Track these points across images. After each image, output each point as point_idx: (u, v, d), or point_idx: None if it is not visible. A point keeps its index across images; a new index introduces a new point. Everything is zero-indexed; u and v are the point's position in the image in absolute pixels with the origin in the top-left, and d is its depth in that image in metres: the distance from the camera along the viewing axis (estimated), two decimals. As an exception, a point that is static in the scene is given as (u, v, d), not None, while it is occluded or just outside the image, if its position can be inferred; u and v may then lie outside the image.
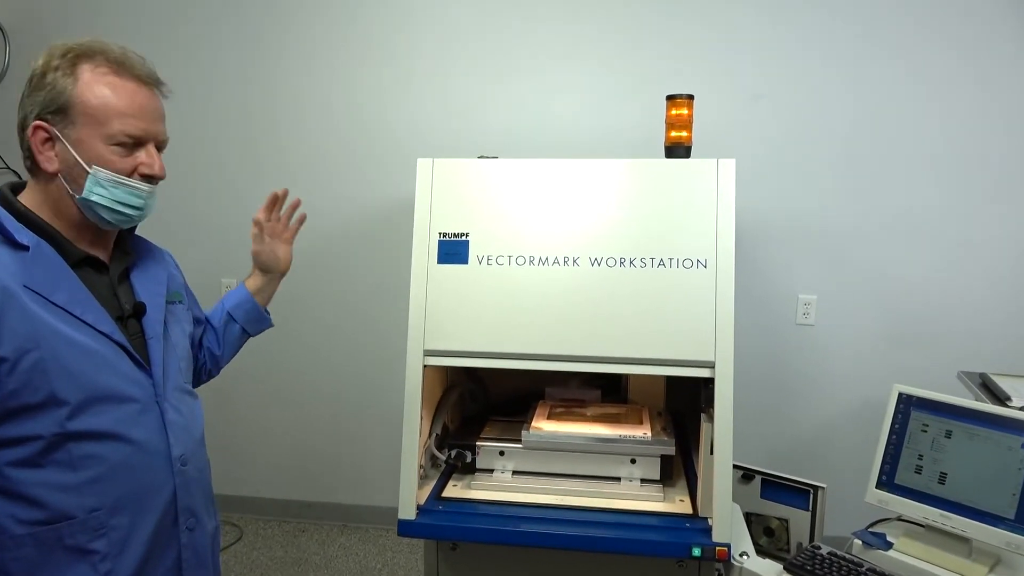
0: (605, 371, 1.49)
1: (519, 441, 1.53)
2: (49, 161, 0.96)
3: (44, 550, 0.93)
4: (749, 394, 2.24)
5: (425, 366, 1.46)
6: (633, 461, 1.51)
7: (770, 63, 2.34)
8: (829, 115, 2.33)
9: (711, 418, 1.39)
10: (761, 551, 1.59)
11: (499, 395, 1.88)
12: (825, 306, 2.40)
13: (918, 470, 1.41)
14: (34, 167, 0.98)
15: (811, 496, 1.64)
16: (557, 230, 1.46)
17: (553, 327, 1.43)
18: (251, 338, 1.38)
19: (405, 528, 1.41)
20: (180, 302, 1.18)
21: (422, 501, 1.46)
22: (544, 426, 1.58)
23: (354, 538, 2.69)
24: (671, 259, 1.42)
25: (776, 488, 1.70)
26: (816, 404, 2.46)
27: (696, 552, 1.32)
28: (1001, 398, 1.72)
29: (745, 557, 1.38)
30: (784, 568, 1.36)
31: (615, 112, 2.41)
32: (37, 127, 0.95)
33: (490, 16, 2.45)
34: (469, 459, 1.55)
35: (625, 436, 1.52)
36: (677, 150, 1.58)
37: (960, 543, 1.36)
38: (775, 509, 1.70)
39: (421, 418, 1.46)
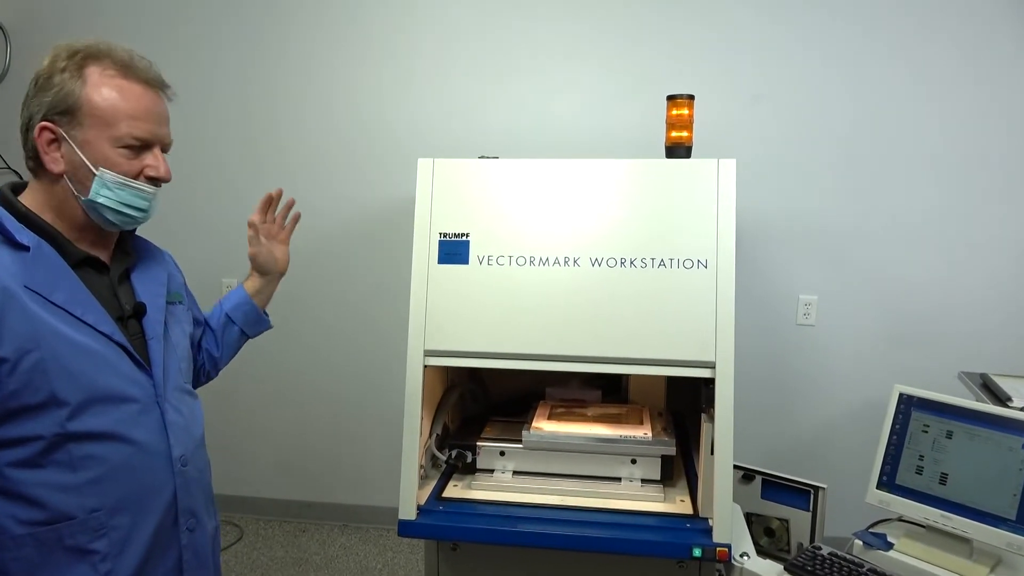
0: (606, 371, 1.49)
1: (520, 441, 1.53)
2: (55, 162, 0.96)
3: (44, 550, 0.93)
4: (750, 394, 2.24)
5: (426, 366, 1.46)
6: (634, 461, 1.51)
7: (770, 63, 2.34)
8: (829, 115, 2.33)
9: (712, 418, 1.39)
10: (762, 551, 1.59)
11: (499, 395, 1.88)
12: (826, 306, 2.40)
13: (919, 471, 1.41)
14: (38, 168, 0.98)
15: (812, 496, 1.64)
16: (558, 230, 1.46)
17: (554, 327, 1.43)
18: (250, 340, 1.38)
19: (405, 528, 1.41)
20: (180, 302, 1.18)
21: (422, 501, 1.46)
22: (545, 426, 1.58)
23: (355, 538, 2.69)
24: (672, 259, 1.42)
25: (777, 488, 1.70)
26: (817, 404, 2.45)
27: (697, 552, 1.32)
28: (1002, 399, 1.72)
29: (746, 558, 1.38)
30: (785, 568, 1.36)
31: (615, 112, 2.41)
32: (43, 128, 0.95)
33: (490, 16, 2.44)
34: (469, 459, 1.55)
35: (626, 436, 1.52)
36: (678, 150, 1.58)
37: (961, 544, 1.36)
38: (776, 509, 1.70)
39: (422, 418, 1.46)
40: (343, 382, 2.69)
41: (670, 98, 1.59)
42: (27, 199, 1.00)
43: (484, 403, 1.86)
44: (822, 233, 2.37)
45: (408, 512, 1.42)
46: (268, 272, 1.37)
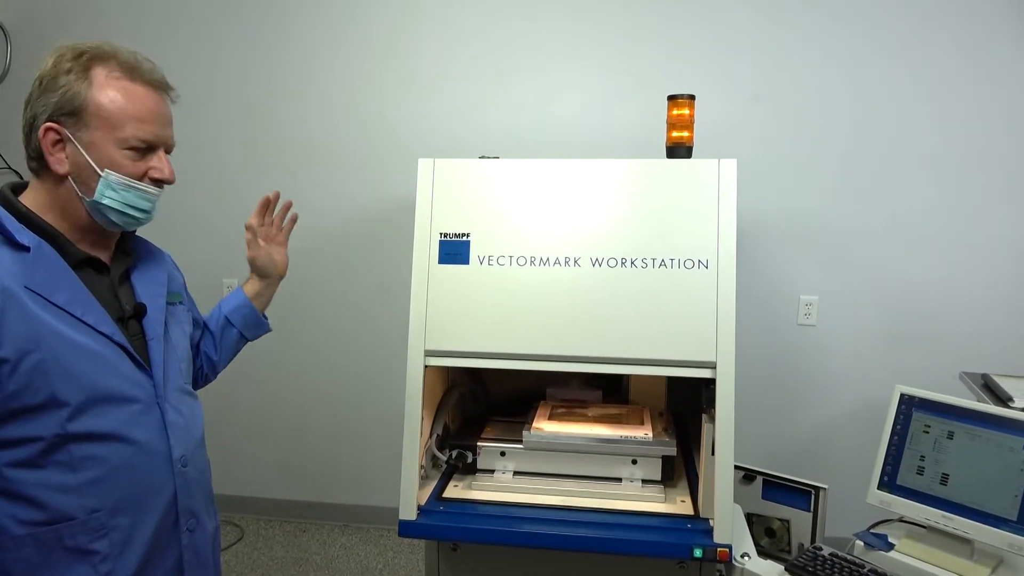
0: (606, 371, 1.49)
1: (520, 442, 1.53)
2: (60, 163, 0.96)
3: (44, 551, 0.93)
4: (750, 395, 2.24)
5: (426, 366, 1.46)
6: (634, 462, 1.51)
7: (770, 63, 2.33)
8: (829, 115, 2.33)
9: (712, 419, 1.38)
10: (762, 552, 1.59)
11: (500, 395, 1.87)
12: (826, 306, 2.40)
13: (920, 471, 1.41)
14: (41, 168, 0.98)
15: (812, 497, 1.64)
16: (558, 230, 1.46)
17: (554, 327, 1.43)
18: (249, 343, 1.38)
19: (406, 529, 1.41)
20: (180, 303, 1.18)
21: (423, 501, 1.46)
22: (545, 427, 1.58)
23: (355, 538, 2.69)
24: (672, 259, 1.42)
25: (777, 489, 1.69)
26: (818, 405, 2.45)
27: (697, 553, 1.32)
28: (1003, 399, 1.72)
29: (746, 558, 1.37)
30: (785, 569, 1.36)
31: (615, 112, 2.41)
32: (48, 129, 0.95)
33: (490, 16, 2.44)
34: (470, 459, 1.55)
35: (626, 437, 1.52)
36: (678, 150, 1.58)
37: (962, 544, 1.36)
38: (776, 510, 1.70)
39: (422, 418, 1.46)
40: (343, 382, 2.69)
41: (671, 98, 1.59)
42: (28, 199, 1.00)
43: (484, 403, 1.86)
44: (823, 233, 2.37)
45: (408, 512, 1.41)
46: (267, 275, 1.36)
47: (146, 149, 1.00)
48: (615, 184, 1.47)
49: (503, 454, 1.55)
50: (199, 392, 1.18)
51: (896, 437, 1.45)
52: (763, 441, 2.39)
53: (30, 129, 0.97)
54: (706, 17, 2.34)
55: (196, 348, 1.28)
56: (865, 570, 1.32)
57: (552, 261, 1.45)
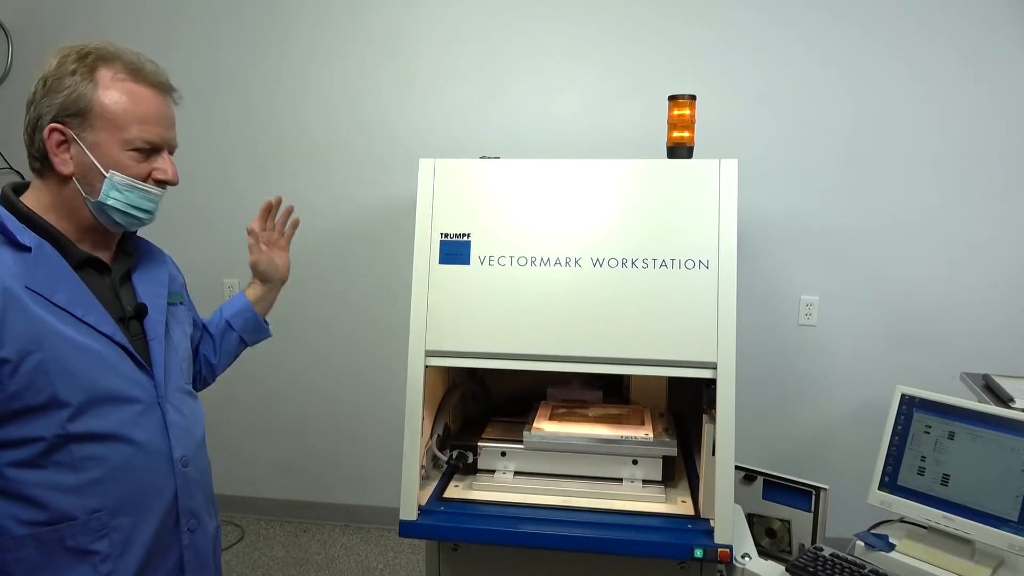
0: (607, 372, 1.49)
1: (521, 442, 1.53)
2: (64, 164, 0.97)
3: (45, 551, 0.93)
4: (751, 395, 2.24)
5: (427, 366, 1.46)
6: (635, 462, 1.51)
7: (770, 63, 2.33)
8: (829, 115, 2.33)
9: (713, 419, 1.38)
10: (763, 552, 1.59)
11: (501, 396, 1.87)
12: (827, 307, 2.40)
13: (921, 472, 1.40)
14: (44, 169, 0.98)
15: (813, 497, 1.64)
16: (559, 231, 1.46)
17: (555, 328, 1.43)
18: (248, 347, 1.37)
19: (407, 529, 1.41)
20: (181, 303, 1.18)
21: (424, 502, 1.46)
22: (546, 427, 1.58)
23: (356, 538, 2.69)
24: (673, 260, 1.42)
25: (778, 489, 1.69)
26: (818, 405, 2.45)
27: (698, 553, 1.32)
28: (1004, 399, 1.72)
29: (747, 558, 1.37)
30: (786, 569, 1.36)
31: (615, 112, 2.41)
32: (53, 129, 0.95)
33: (490, 16, 2.44)
34: (471, 460, 1.55)
35: (627, 437, 1.52)
36: (679, 150, 1.58)
37: (963, 545, 1.36)
38: (777, 510, 1.70)
39: (423, 419, 1.46)
40: (344, 382, 2.69)
41: (672, 98, 1.59)
42: (29, 200, 1.00)
43: (485, 403, 1.86)
44: (823, 233, 2.37)
45: (409, 512, 1.41)
46: (269, 279, 1.37)
47: (150, 150, 1.00)
48: (616, 184, 1.47)
49: (504, 454, 1.55)
50: (199, 392, 1.18)
51: (897, 438, 1.45)
52: (764, 441, 2.38)
53: (33, 129, 0.97)
54: (706, 17, 2.34)
55: (195, 351, 1.28)
56: (866, 571, 1.32)
57: (553, 261, 1.45)
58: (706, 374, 1.39)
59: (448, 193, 1.49)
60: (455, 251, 1.47)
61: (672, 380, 1.76)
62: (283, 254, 1.38)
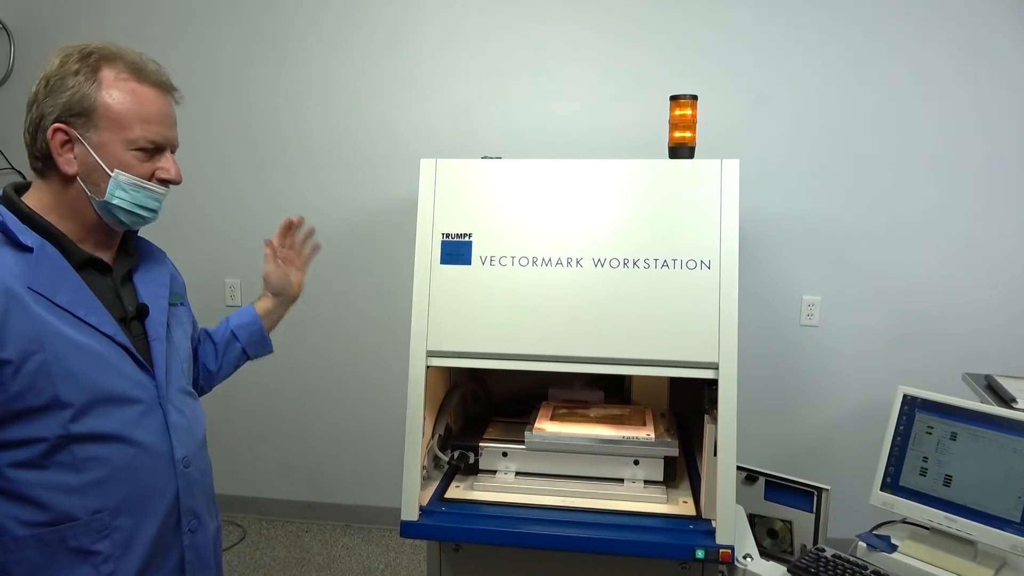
0: (608, 372, 1.49)
1: (522, 442, 1.53)
2: (68, 164, 0.97)
3: (47, 552, 0.93)
4: (753, 395, 2.23)
5: (428, 367, 1.46)
6: (636, 462, 1.51)
7: (770, 63, 2.33)
8: (829, 115, 2.33)
9: (714, 419, 1.38)
10: (765, 553, 1.58)
11: (502, 396, 1.87)
12: (829, 307, 2.39)
13: (923, 472, 1.40)
14: (47, 169, 0.98)
15: (815, 498, 1.64)
16: (560, 231, 1.46)
17: (556, 328, 1.43)
18: (249, 360, 1.37)
19: (408, 529, 1.41)
20: (181, 304, 1.18)
21: (425, 502, 1.46)
22: (547, 427, 1.57)
23: (357, 539, 2.68)
24: (675, 260, 1.42)
25: (780, 490, 1.69)
26: (820, 405, 2.45)
27: (699, 554, 1.32)
28: (1007, 400, 1.71)
29: (749, 559, 1.37)
30: (788, 570, 1.36)
31: (616, 112, 2.40)
32: (57, 129, 0.95)
33: (490, 16, 2.44)
34: (472, 460, 1.55)
35: (628, 437, 1.52)
36: (681, 151, 1.57)
37: (965, 546, 1.35)
38: (779, 511, 1.69)
39: (424, 419, 1.46)
40: (345, 382, 2.69)
41: (673, 98, 1.59)
42: (31, 200, 1.00)
43: (486, 404, 1.85)
44: (825, 233, 2.37)
45: (410, 513, 1.41)
46: (281, 294, 1.37)
47: (154, 150, 1.01)
48: (617, 184, 1.46)
49: (505, 455, 1.55)
50: (199, 394, 1.19)
51: (899, 438, 1.45)
52: (765, 442, 2.38)
53: (36, 129, 0.96)
54: (706, 17, 2.34)
55: (194, 355, 1.27)
56: (868, 571, 1.32)
57: (554, 261, 1.45)
58: (708, 374, 1.39)
59: (449, 193, 1.49)
60: (456, 251, 1.47)
61: (674, 380, 1.76)
62: (298, 272, 1.39)
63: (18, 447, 0.91)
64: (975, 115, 2.26)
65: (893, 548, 1.41)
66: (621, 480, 1.51)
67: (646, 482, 1.50)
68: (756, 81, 2.34)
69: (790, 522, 1.68)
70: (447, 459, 1.56)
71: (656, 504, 1.46)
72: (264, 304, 1.36)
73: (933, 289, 2.33)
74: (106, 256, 1.04)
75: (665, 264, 1.42)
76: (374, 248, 2.58)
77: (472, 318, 1.45)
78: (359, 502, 2.75)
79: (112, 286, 1.04)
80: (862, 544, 1.44)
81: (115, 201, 0.98)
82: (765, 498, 1.71)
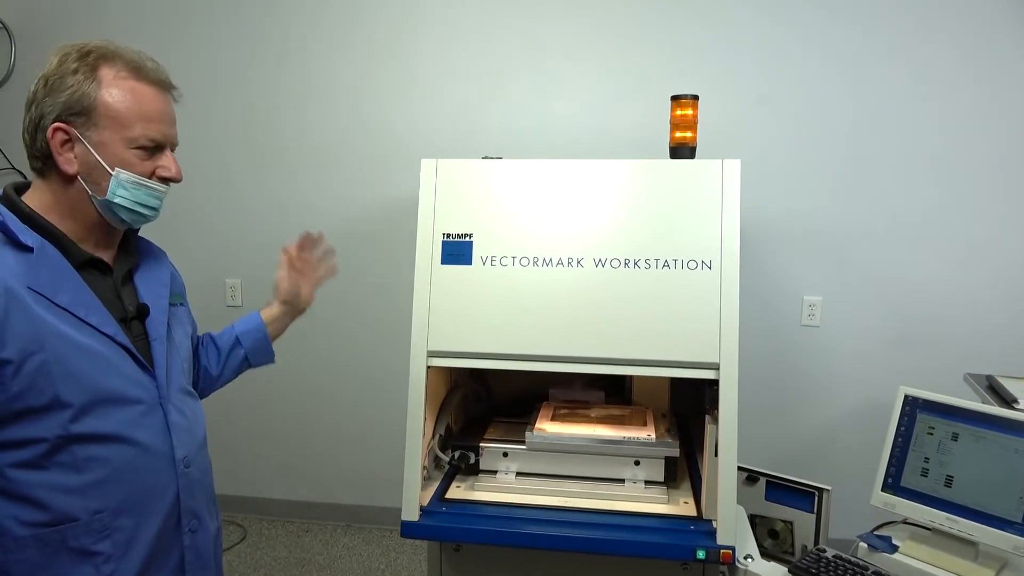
0: (609, 372, 1.49)
1: (523, 442, 1.52)
2: (69, 163, 0.96)
3: (47, 552, 0.93)
4: (754, 396, 2.23)
5: (429, 367, 1.46)
6: (637, 463, 1.51)
7: (770, 63, 2.33)
8: (829, 115, 2.33)
9: (715, 420, 1.38)
10: (766, 553, 1.58)
11: (503, 396, 1.87)
12: (830, 307, 2.39)
13: (924, 473, 1.40)
14: (47, 168, 0.98)
15: (816, 498, 1.64)
16: (561, 231, 1.45)
17: (557, 328, 1.43)
18: (251, 369, 1.37)
19: (409, 529, 1.41)
20: (182, 304, 1.18)
21: (426, 502, 1.45)
22: (548, 427, 1.57)
23: (358, 539, 2.68)
24: (676, 260, 1.41)
25: (781, 490, 1.69)
26: (821, 406, 2.45)
27: (700, 554, 1.31)
28: (1008, 400, 1.71)
29: (749, 560, 1.37)
30: (789, 571, 1.36)
31: (616, 112, 2.41)
32: (57, 129, 0.95)
33: (490, 16, 2.44)
34: (473, 460, 1.55)
35: (629, 438, 1.51)
36: (682, 151, 1.57)
37: (966, 547, 1.35)
38: (780, 511, 1.69)
39: (424, 419, 1.46)
40: (346, 383, 2.69)
41: (674, 98, 1.59)
42: (31, 200, 0.99)
43: (487, 404, 1.85)
44: (825, 234, 2.37)
45: (411, 513, 1.41)
46: (290, 301, 1.37)
47: (154, 148, 1.01)
48: (618, 184, 1.46)
49: (506, 455, 1.54)
50: (197, 395, 1.18)
51: (900, 439, 1.45)
52: (766, 442, 2.38)
53: (35, 129, 0.96)
54: (706, 17, 2.34)
55: (194, 356, 1.27)
56: (869, 572, 1.32)
57: (555, 262, 1.45)
58: (709, 375, 1.39)
59: (450, 193, 1.49)
60: (457, 251, 1.47)
61: (674, 381, 1.76)
62: (309, 287, 1.39)
63: (19, 447, 0.91)
64: (975, 115, 2.26)
65: (894, 549, 1.41)
66: (622, 480, 1.51)
67: (647, 482, 1.50)
68: (756, 81, 2.34)
69: (791, 523, 1.68)
70: (448, 459, 1.56)
71: (657, 504, 1.46)
72: (271, 311, 1.37)
73: (933, 289, 2.33)
74: (106, 256, 1.04)
75: (666, 264, 1.42)
76: (374, 248, 2.58)
77: (473, 318, 1.45)
78: (360, 502, 2.75)
79: (112, 286, 1.04)
80: (863, 545, 1.43)
81: (116, 200, 0.98)
82: (766, 498, 1.71)
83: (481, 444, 1.56)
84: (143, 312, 1.05)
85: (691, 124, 1.57)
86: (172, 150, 1.05)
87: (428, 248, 1.48)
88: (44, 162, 0.98)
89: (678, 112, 1.57)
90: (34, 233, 0.96)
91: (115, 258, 1.06)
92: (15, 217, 0.96)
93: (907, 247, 2.34)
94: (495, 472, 1.55)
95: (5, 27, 2.68)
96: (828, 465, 2.36)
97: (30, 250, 0.94)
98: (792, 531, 1.68)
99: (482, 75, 2.46)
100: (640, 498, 1.48)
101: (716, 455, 1.37)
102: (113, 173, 0.97)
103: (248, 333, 1.33)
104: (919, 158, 2.31)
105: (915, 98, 2.28)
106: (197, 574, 1.07)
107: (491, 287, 1.45)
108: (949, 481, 1.37)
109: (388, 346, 2.55)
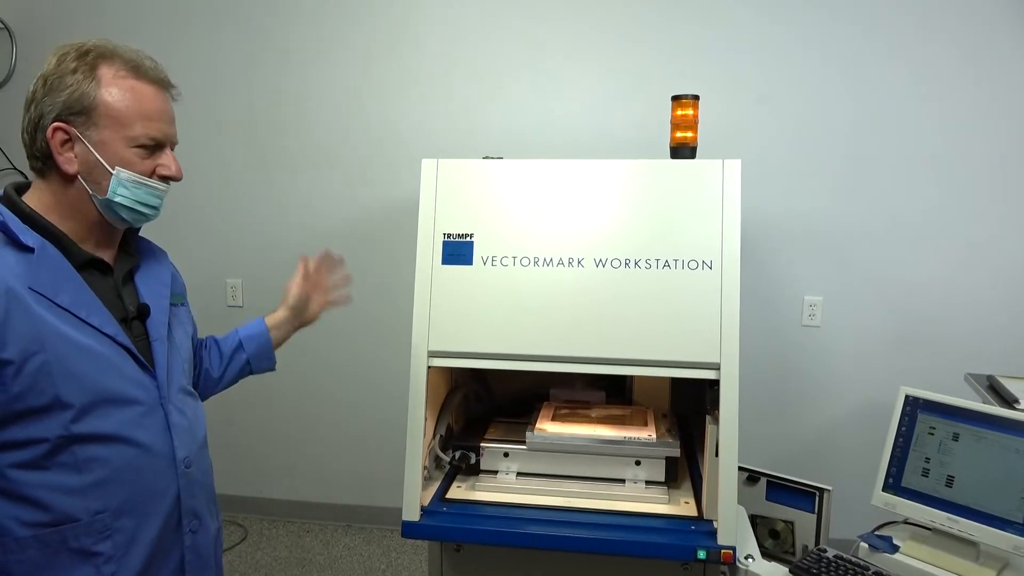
0: (610, 372, 1.49)
1: (523, 442, 1.52)
2: (69, 162, 0.96)
3: (48, 552, 0.93)
4: (754, 396, 2.24)
5: (429, 367, 1.46)
6: (638, 463, 1.51)
7: (770, 63, 2.33)
8: (830, 115, 2.33)
9: (716, 420, 1.38)
10: (766, 553, 1.58)
11: (503, 396, 1.87)
12: (831, 307, 2.39)
13: (925, 473, 1.40)
14: (47, 168, 0.98)
15: (817, 498, 1.64)
16: (562, 231, 1.45)
17: (558, 328, 1.43)
18: (252, 374, 1.37)
19: (409, 530, 1.41)
20: (182, 304, 1.18)
21: (426, 502, 1.46)
22: (548, 427, 1.57)
23: (358, 539, 2.68)
24: (676, 260, 1.42)
25: (782, 490, 1.69)
26: (822, 406, 2.45)
27: (701, 555, 1.31)
28: (1009, 400, 1.71)
29: (750, 560, 1.37)
30: (789, 571, 1.36)
31: (616, 112, 2.41)
32: (57, 128, 0.95)
33: (491, 16, 2.44)
34: (473, 460, 1.55)
35: (630, 438, 1.51)
36: (682, 151, 1.57)
37: (967, 547, 1.35)
38: (780, 511, 1.69)
39: (425, 419, 1.46)
40: (347, 383, 2.69)
41: (675, 98, 1.59)
42: (31, 200, 0.99)
43: (488, 404, 1.85)
44: (826, 234, 2.37)
45: (412, 513, 1.41)
46: (295, 309, 1.38)
47: (154, 147, 1.01)
48: (619, 185, 1.46)
49: (506, 455, 1.54)
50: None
51: (901, 439, 1.45)
52: (767, 442, 2.38)
53: (35, 129, 0.96)
54: (706, 17, 2.34)
55: (197, 359, 1.27)
56: (869, 572, 1.32)
57: (556, 262, 1.45)
58: (709, 375, 1.39)
59: (451, 193, 1.49)
60: (458, 251, 1.47)
61: (675, 381, 1.76)
62: (319, 304, 1.40)
63: (19, 448, 0.91)
64: (975, 115, 2.26)
65: (895, 549, 1.41)
66: (622, 480, 1.51)
67: (647, 483, 1.50)
68: (756, 81, 2.34)
69: (792, 523, 1.68)
70: (448, 459, 1.56)
71: (657, 505, 1.46)
72: (276, 316, 1.37)
73: (934, 289, 2.33)
74: (107, 256, 1.04)
75: (666, 264, 1.42)
76: (375, 248, 2.58)
77: (473, 318, 1.45)
78: (360, 502, 2.75)
79: (113, 286, 1.03)
80: (864, 545, 1.44)
81: (117, 199, 0.98)
82: (767, 498, 1.71)
83: (482, 444, 1.56)
84: (144, 312, 1.05)
85: (691, 124, 1.57)
86: (172, 149, 1.05)
87: (429, 248, 1.48)
88: (44, 162, 0.97)
89: (678, 112, 1.57)
90: (35, 233, 0.96)
91: (116, 258, 1.06)
92: (16, 217, 0.96)
93: (907, 247, 2.34)
94: (496, 472, 1.55)
95: (6, 27, 2.68)
96: (829, 465, 2.36)
97: (31, 250, 0.94)
98: (793, 531, 1.68)
99: (482, 75, 2.46)
100: (641, 498, 1.48)
101: (717, 455, 1.37)
102: (113, 172, 0.97)
103: (252, 338, 1.33)
104: (919, 158, 2.31)
105: (915, 98, 2.28)
106: (198, 574, 1.07)
107: (492, 287, 1.45)
108: (950, 481, 1.37)
109: (389, 346, 2.55)
